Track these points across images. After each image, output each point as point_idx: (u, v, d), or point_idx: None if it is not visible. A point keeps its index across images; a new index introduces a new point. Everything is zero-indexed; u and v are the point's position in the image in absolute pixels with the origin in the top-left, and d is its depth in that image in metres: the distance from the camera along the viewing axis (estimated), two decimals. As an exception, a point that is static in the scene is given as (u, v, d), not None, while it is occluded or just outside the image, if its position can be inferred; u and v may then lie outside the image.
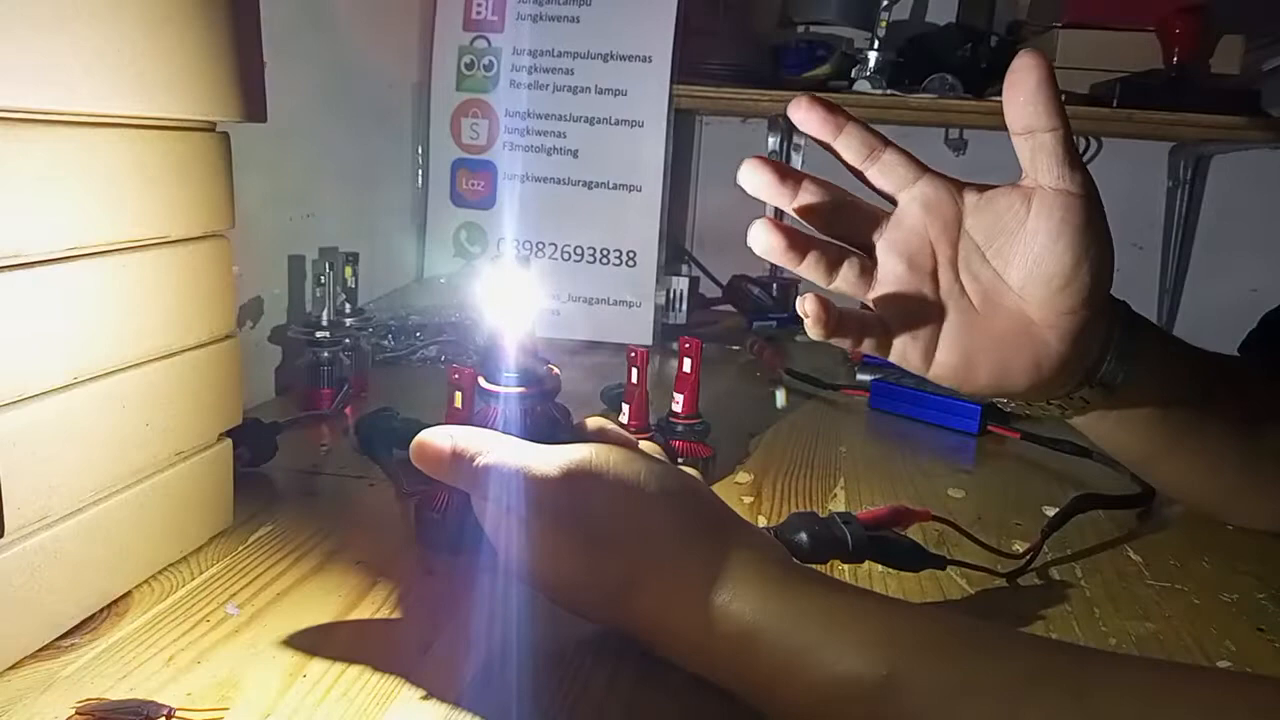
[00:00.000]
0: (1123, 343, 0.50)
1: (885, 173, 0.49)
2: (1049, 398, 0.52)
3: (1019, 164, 0.48)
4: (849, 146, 0.49)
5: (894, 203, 0.50)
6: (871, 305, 0.50)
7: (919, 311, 0.49)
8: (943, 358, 0.50)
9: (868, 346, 0.50)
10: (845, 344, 0.49)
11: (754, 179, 0.49)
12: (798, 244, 0.49)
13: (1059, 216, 0.46)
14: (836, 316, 0.48)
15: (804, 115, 0.49)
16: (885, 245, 0.50)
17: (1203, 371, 0.56)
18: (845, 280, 0.50)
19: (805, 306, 0.47)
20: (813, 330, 0.48)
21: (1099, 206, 0.47)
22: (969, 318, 0.49)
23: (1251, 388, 0.57)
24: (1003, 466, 0.74)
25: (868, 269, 0.50)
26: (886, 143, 0.49)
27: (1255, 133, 1.12)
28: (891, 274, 0.49)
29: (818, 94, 0.49)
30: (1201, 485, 0.58)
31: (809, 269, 0.49)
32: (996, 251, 0.48)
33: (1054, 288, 0.47)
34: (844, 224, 0.50)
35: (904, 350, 0.50)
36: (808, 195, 0.50)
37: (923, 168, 0.49)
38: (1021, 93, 0.45)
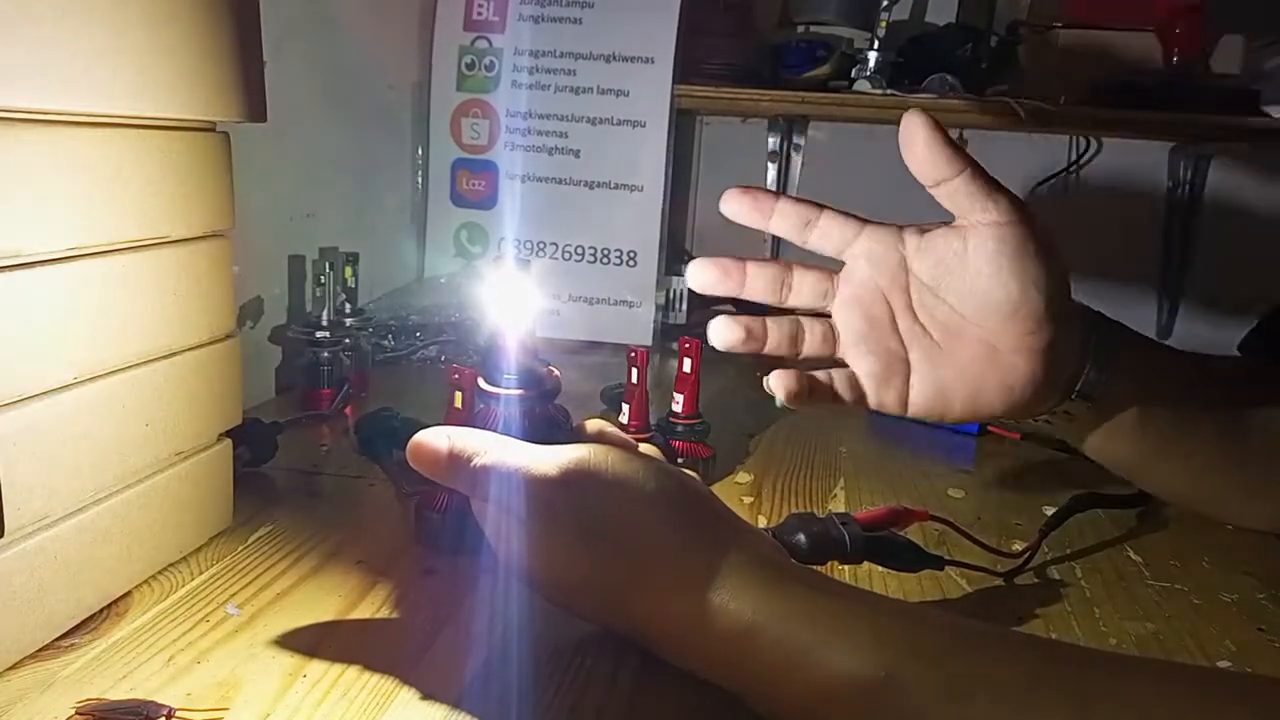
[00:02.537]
0: (1099, 353, 0.51)
1: (824, 237, 0.51)
2: (1034, 415, 0.53)
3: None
4: (783, 223, 0.51)
5: (841, 262, 0.52)
6: (840, 362, 0.52)
7: (885, 361, 0.51)
8: (917, 397, 0.51)
9: (846, 402, 0.52)
10: (825, 410, 0.51)
11: (701, 278, 0.52)
12: (756, 333, 0.52)
13: (993, 248, 0.47)
14: (806, 389, 0.50)
15: (733, 207, 0.51)
16: (839, 305, 0.52)
17: (1186, 374, 0.56)
18: (810, 346, 0.52)
19: (773, 384, 0.50)
20: (786, 403, 0.50)
21: (1035, 228, 0.48)
22: (934, 354, 0.51)
23: (1238, 387, 0.57)
24: (1003, 466, 0.74)
25: (828, 332, 0.52)
26: (821, 208, 0.51)
27: (1255, 133, 1.12)
28: (851, 331, 0.51)
29: (741, 186, 0.51)
30: (1193, 488, 0.58)
31: (773, 349, 0.52)
32: (946, 288, 0.50)
33: (1006, 315, 0.48)
34: (798, 294, 0.52)
35: (879, 397, 0.52)
36: (755, 278, 0.52)
37: (861, 222, 0.51)
38: (915, 151, 0.48)
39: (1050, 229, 0.48)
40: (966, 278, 0.49)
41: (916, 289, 0.51)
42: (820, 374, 0.52)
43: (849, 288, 0.52)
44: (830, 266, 0.53)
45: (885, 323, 0.51)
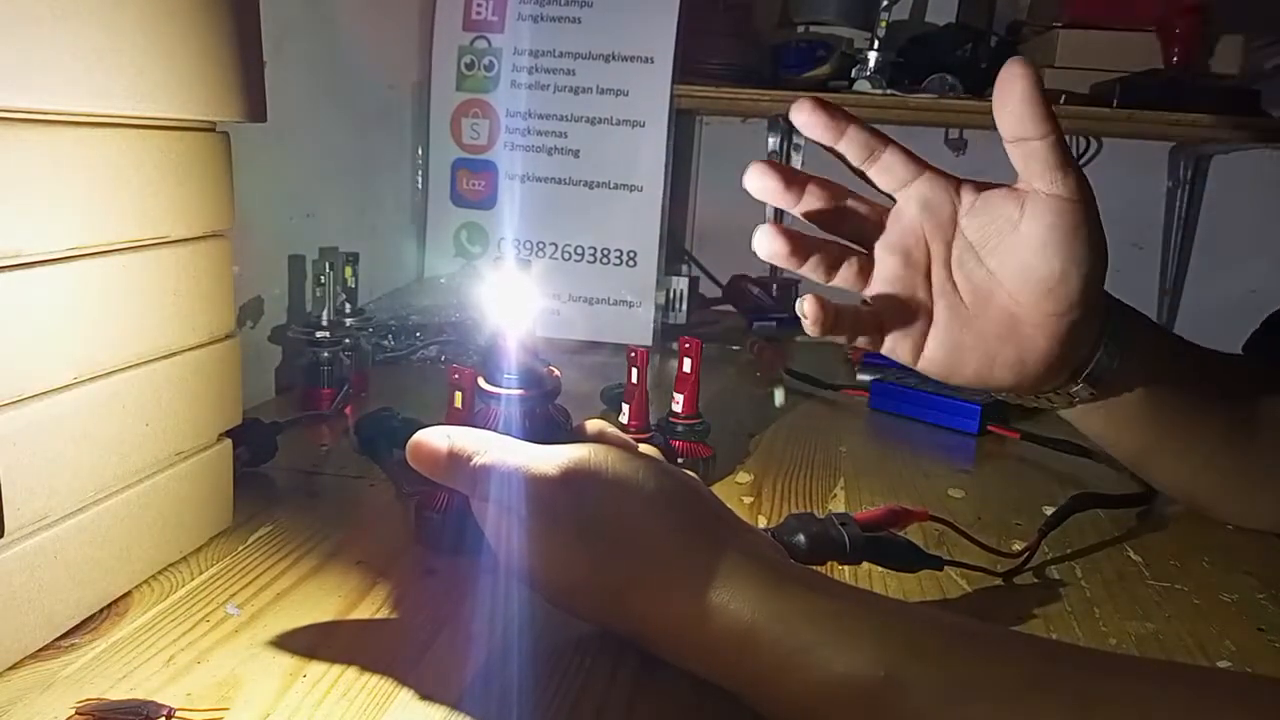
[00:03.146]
0: (1114, 340, 0.51)
1: (885, 172, 0.50)
2: (1038, 391, 0.53)
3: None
4: (850, 148, 0.50)
5: (894, 200, 0.51)
6: (868, 300, 0.52)
7: (911, 307, 0.51)
8: (931, 352, 0.51)
9: (862, 342, 0.51)
10: (841, 339, 0.51)
11: (760, 183, 0.51)
12: (800, 248, 0.51)
13: (1049, 221, 0.47)
14: (833, 315, 0.49)
15: (807, 118, 0.50)
16: (883, 243, 0.51)
17: (1196, 368, 0.56)
18: (843, 278, 0.52)
19: (804, 308, 0.49)
20: (810, 328, 0.50)
21: (1093, 211, 0.48)
22: (959, 313, 0.50)
23: (1247, 385, 0.57)
24: (1003, 466, 0.74)
25: (865, 266, 0.52)
26: (887, 142, 0.50)
27: (1255, 133, 1.12)
28: (887, 271, 0.51)
29: (820, 96, 0.50)
30: (1194, 482, 0.59)
31: (810, 270, 0.51)
32: (989, 251, 0.49)
33: (1042, 290, 0.48)
34: (845, 224, 0.52)
35: (895, 344, 0.52)
36: (812, 199, 0.51)
37: (922, 166, 0.50)
38: (1009, 101, 0.46)
39: (1100, 218, 0.48)
40: (1013, 245, 0.48)
41: (960, 245, 0.50)
42: (847, 306, 0.51)
43: (896, 228, 0.51)
44: (882, 204, 0.52)
45: (921, 270, 0.51)
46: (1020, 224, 0.48)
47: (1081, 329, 0.49)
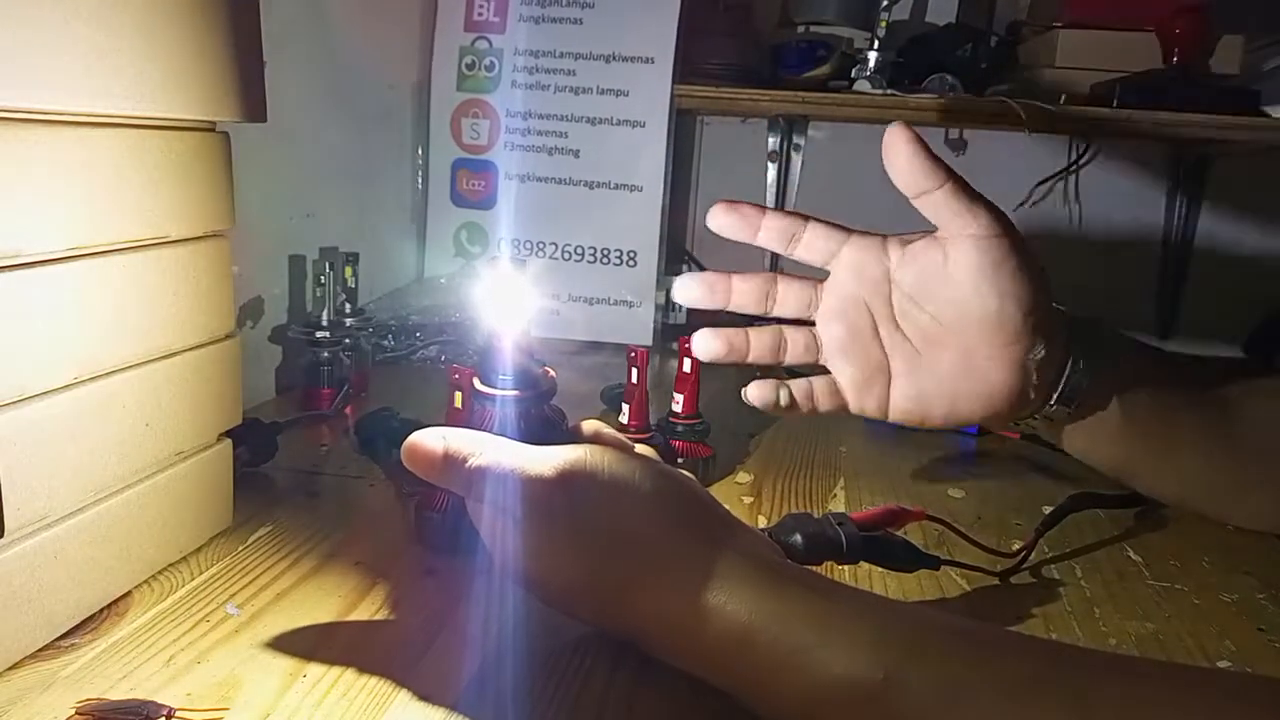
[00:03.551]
0: (1083, 358, 0.52)
1: (810, 250, 0.53)
2: (1013, 420, 0.54)
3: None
4: (769, 238, 0.53)
5: (826, 272, 0.53)
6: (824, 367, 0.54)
7: (867, 368, 0.53)
8: (898, 403, 0.53)
9: (825, 408, 0.54)
10: (804, 412, 0.54)
11: (688, 293, 0.54)
12: (738, 345, 0.54)
13: (973, 260, 0.49)
14: (788, 399, 0.52)
15: (720, 222, 0.52)
16: (823, 314, 0.53)
17: (1170, 375, 0.56)
18: (793, 355, 0.54)
19: (750, 395, 0.53)
20: (769, 410, 0.53)
21: (1015, 242, 0.49)
22: (915, 362, 0.52)
23: (1225, 387, 0.57)
24: (1003, 466, 0.74)
25: (811, 340, 0.54)
26: (805, 220, 0.53)
27: (1255, 133, 1.12)
28: (835, 340, 0.53)
29: (726, 200, 0.53)
30: (1181, 488, 0.59)
31: (756, 356, 0.54)
32: (927, 299, 0.51)
33: (986, 327, 0.50)
34: (783, 304, 0.54)
35: (860, 404, 0.53)
36: (741, 292, 0.54)
37: (846, 233, 0.52)
38: (897, 163, 0.49)
39: (1027, 243, 0.50)
40: (946, 289, 0.50)
41: (899, 299, 0.52)
42: (801, 382, 0.53)
43: (833, 298, 0.53)
44: (816, 276, 0.54)
45: (867, 331, 0.52)
46: (947, 268, 0.50)
47: (1038, 354, 0.50)
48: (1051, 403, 0.53)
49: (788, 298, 0.54)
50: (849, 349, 0.53)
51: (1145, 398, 0.54)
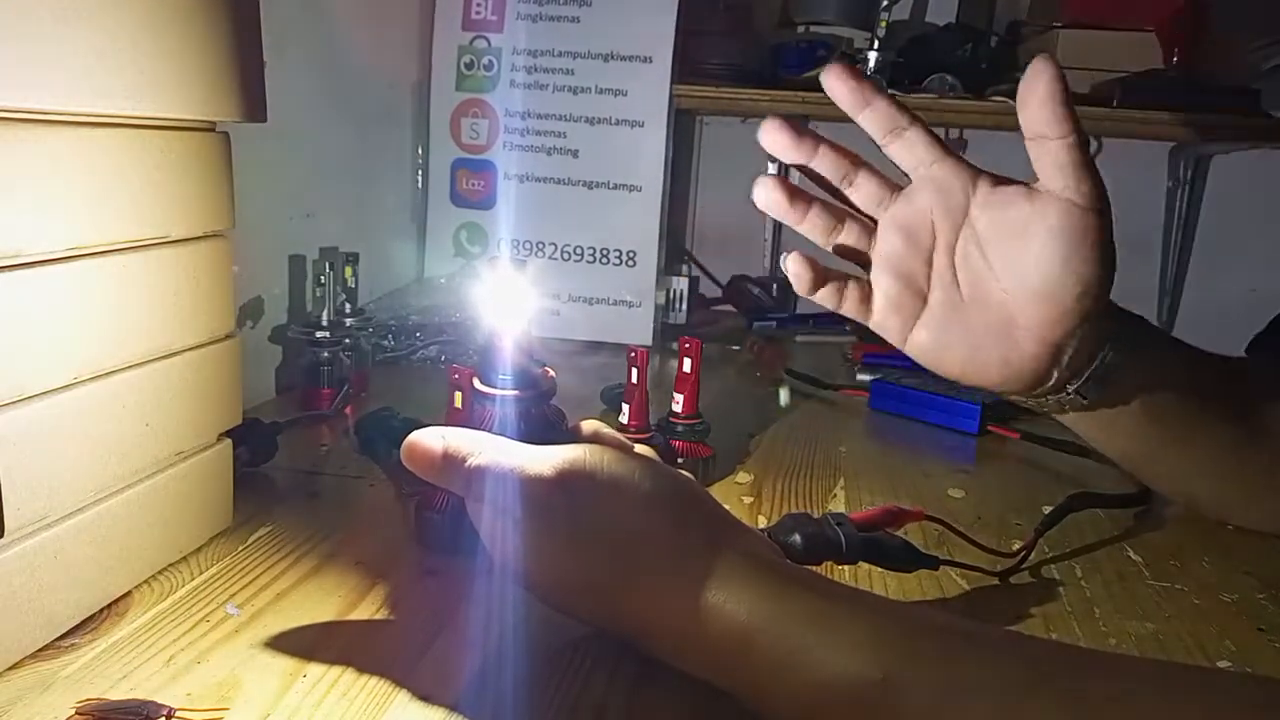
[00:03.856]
0: (1113, 352, 0.51)
1: (906, 149, 0.50)
2: (1024, 394, 0.53)
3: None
4: (873, 119, 0.50)
5: (909, 179, 0.51)
6: (864, 272, 0.52)
7: (906, 288, 0.50)
8: (918, 336, 0.51)
9: (849, 308, 0.51)
10: (828, 301, 0.51)
11: (772, 139, 0.52)
12: (799, 201, 0.51)
13: (1056, 225, 0.46)
14: (821, 274, 0.50)
15: (834, 82, 0.51)
16: (889, 217, 0.51)
17: (1198, 375, 0.55)
18: (844, 240, 0.52)
19: (789, 264, 0.50)
20: (797, 286, 0.50)
21: (1104, 222, 0.47)
22: (953, 304, 0.50)
23: (1245, 387, 0.57)
24: (1003, 466, 0.74)
25: (866, 235, 0.51)
26: (913, 120, 0.50)
27: (1255, 133, 1.12)
28: (889, 246, 0.51)
29: (848, 64, 0.50)
30: (1191, 485, 0.58)
31: (809, 227, 0.51)
32: (994, 247, 0.49)
33: (1039, 295, 0.48)
34: (857, 190, 0.51)
35: (883, 320, 0.51)
36: (823, 157, 0.51)
37: (944, 150, 0.50)
38: (1031, 98, 0.46)
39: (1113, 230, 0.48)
40: (1017, 245, 0.48)
41: (965, 237, 0.49)
42: (836, 273, 0.51)
43: (906, 206, 0.50)
44: (895, 180, 0.51)
45: (923, 253, 0.50)
46: (1029, 224, 0.47)
47: (1075, 339, 0.49)
48: (1070, 390, 0.51)
49: (864, 186, 0.51)
50: (899, 260, 0.50)
51: (1167, 396, 0.53)
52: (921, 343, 0.51)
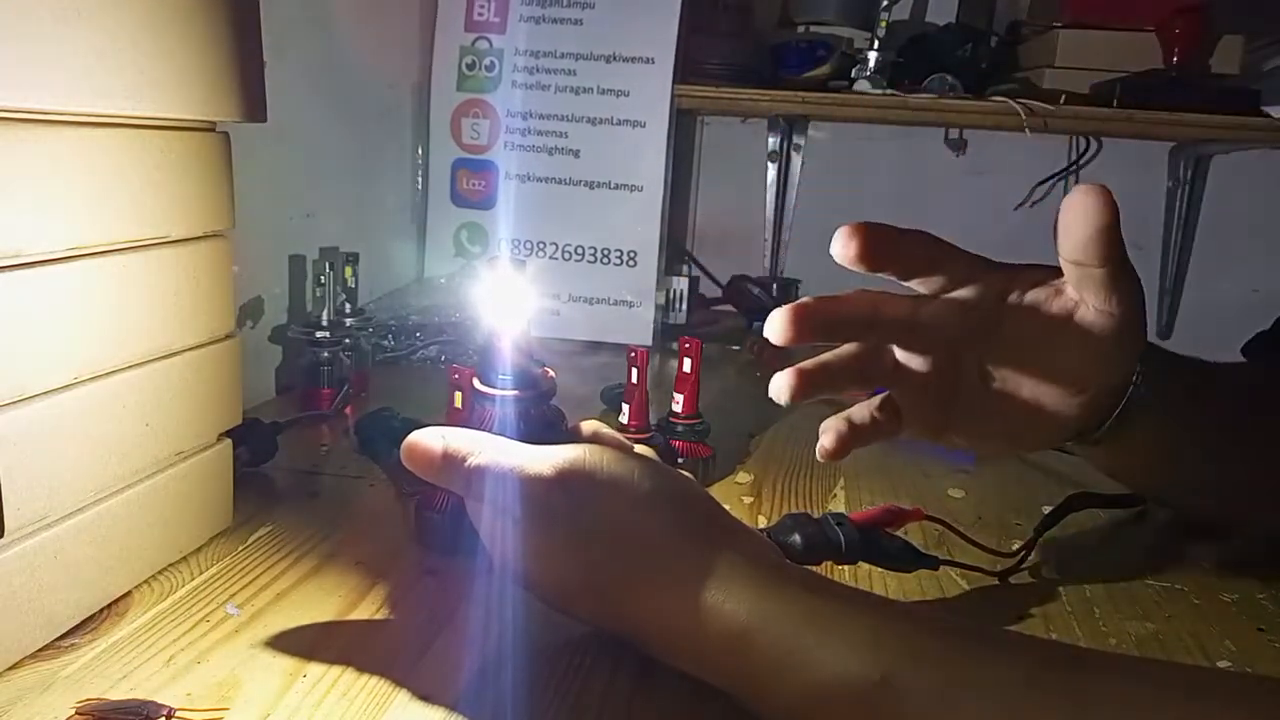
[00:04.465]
0: (1136, 393, 0.49)
1: (931, 282, 0.48)
2: (1051, 447, 0.52)
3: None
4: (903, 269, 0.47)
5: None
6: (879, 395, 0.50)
7: (936, 400, 0.48)
8: (952, 439, 0.50)
9: (879, 438, 0.50)
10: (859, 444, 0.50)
11: (780, 330, 0.48)
12: (817, 383, 0.49)
13: (1095, 339, 0.45)
14: (850, 441, 0.49)
15: (844, 248, 0.45)
16: (918, 341, 0.48)
17: (1213, 401, 0.54)
18: (868, 384, 0.50)
19: (822, 447, 0.49)
20: (823, 457, 0.49)
21: (1141, 317, 0.46)
22: (983, 401, 0.48)
23: (1267, 403, 0.56)
24: (1003, 466, 0.74)
25: (888, 367, 0.49)
26: (946, 254, 0.47)
27: (1255, 133, 1.12)
28: (919, 368, 0.48)
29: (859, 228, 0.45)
30: (1209, 504, 0.58)
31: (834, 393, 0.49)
32: (1026, 352, 0.47)
33: (1070, 380, 0.47)
34: (885, 334, 0.49)
35: (914, 433, 0.50)
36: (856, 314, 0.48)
37: (970, 266, 0.47)
38: (1080, 233, 0.43)
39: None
40: (1056, 350, 0.46)
41: (995, 345, 0.47)
42: (863, 425, 0.50)
43: (933, 328, 0.47)
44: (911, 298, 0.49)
45: (952, 363, 0.48)
46: (1064, 333, 0.46)
47: (1108, 399, 0.48)
48: (1098, 432, 0.50)
49: (888, 327, 0.48)
50: (927, 379, 0.48)
51: (1183, 431, 0.51)
52: (954, 440, 0.50)
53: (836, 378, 0.49)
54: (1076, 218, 0.43)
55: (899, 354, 0.49)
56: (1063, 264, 0.45)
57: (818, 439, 0.51)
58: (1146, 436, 0.50)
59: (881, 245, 0.45)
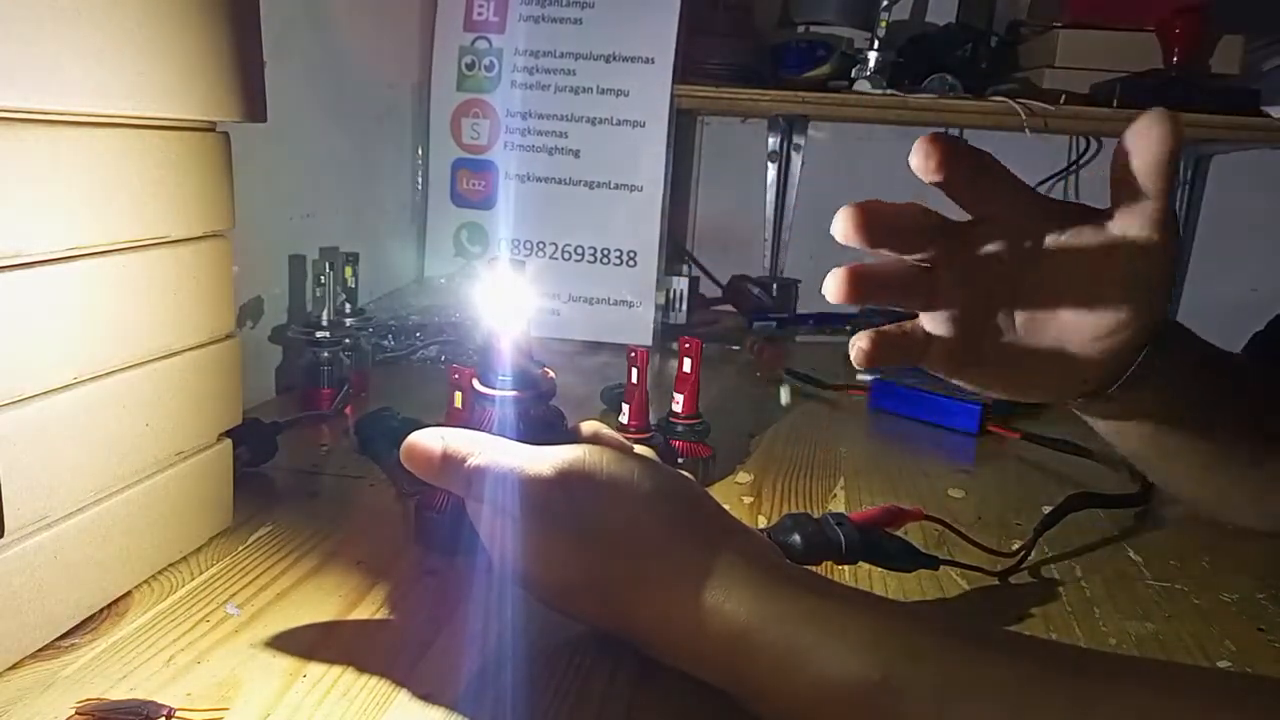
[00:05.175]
0: (1151, 356, 0.49)
1: (986, 207, 0.48)
2: (1062, 400, 0.52)
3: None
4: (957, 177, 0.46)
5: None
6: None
7: (965, 332, 0.48)
8: (969, 373, 0.49)
9: (901, 360, 0.49)
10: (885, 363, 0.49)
11: (843, 227, 0.46)
12: (866, 286, 0.47)
13: (1135, 272, 0.45)
14: (883, 350, 0.48)
15: (926, 160, 0.45)
16: (957, 271, 0.48)
17: (1216, 377, 0.54)
18: (908, 303, 0.49)
19: (857, 347, 0.47)
20: (856, 363, 0.48)
21: (1174, 254, 0.46)
22: (1006, 337, 0.48)
23: (1260, 389, 0.56)
24: (1003, 466, 0.74)
25: (929, 289, 0.49)
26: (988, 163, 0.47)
27: (1255, 133, 1.12)
28: (953, 293, 0.48)
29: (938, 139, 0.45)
30: (1201, 485, 0.58)
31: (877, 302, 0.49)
32: (1063, 284, 0.47)
33: (1097, 321, 0.46)
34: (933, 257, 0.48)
35: (934, 361, 0.49)
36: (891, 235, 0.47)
37: (1017, 192, 0.47)
38: (1145, 156, 0.43)
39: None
40: (1085, 281, 0.46)
41: (1031, 278, 0.47)
42: (892, 333, 0.49)
43: (971, 256, 0.47)
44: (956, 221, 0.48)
45: (988, 303, 0.48)
46: (1105, 265, 0.46)
47: (1125, 356, 0.48)
48: (1112, 389, 0.49)
49: (941, 244, 0.47)
50: (962, 313, 0.48)
51: (1189, 396, 0.52)
52: (971, 376, 0.50)
53: (883, 286, 0.48)
54: (1146, 141, 0.43)
55: (940, 278, 0.48)
56: (1115, 191, 0.45)
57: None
58: (1155, 397, 0.50)
59: (951, 149, 0.44)
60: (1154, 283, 0.46)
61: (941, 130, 0.45)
